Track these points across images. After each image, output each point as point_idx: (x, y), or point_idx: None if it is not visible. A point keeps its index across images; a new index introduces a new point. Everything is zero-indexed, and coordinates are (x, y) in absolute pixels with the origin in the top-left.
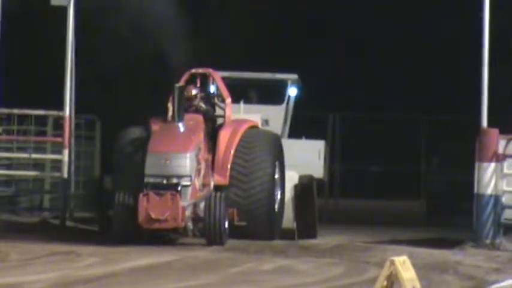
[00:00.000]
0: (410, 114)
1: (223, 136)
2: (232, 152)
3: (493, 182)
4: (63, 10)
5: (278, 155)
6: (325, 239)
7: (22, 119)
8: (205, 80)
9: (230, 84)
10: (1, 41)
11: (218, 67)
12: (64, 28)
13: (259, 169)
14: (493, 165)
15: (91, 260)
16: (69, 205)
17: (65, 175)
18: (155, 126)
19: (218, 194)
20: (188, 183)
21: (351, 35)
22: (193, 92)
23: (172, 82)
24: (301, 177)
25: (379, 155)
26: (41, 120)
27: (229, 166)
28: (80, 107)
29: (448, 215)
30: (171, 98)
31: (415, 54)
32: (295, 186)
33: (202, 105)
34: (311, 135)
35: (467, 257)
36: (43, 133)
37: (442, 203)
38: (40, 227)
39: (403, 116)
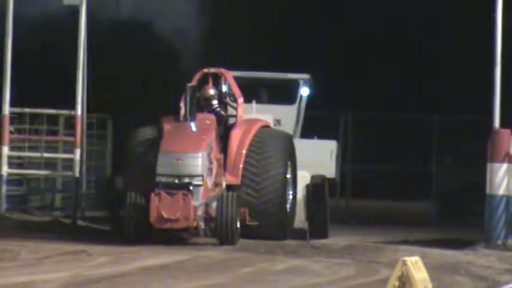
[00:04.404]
0: (422, 114)
1: (235, 136)
2: (244, 151)
3: (505, 182)
4: (75, 9)
5: (290, 155)
6: (336, 239)
7: (34, 118)
8: (217, 80)
9: (242, 84)
10: (13, 40)
11: (230, 66)
12: (76, 28)
13: (271, 169)
14: (505, 165)
15: (102, 260)
16: (80, 204)
17: (77, 174)
18: (167, 126)
19: (230, 193)
20: (200, 182)
21: (363, 34)
22: (211, 92)
23: (184, 81)
24: (313, 177)
25: (391, 155)
26: (53, 120)
27: (241, 166)
28: (91, 106)
29: (459, 216)
30: (183, 98)
31: (428, 53)
32: (307, 186)
33: (216, 105)
34: (323, 135)
35: (479, 258)
36: (55, 132)
37: (453, 203)
38: (51, 226)
39: (415, 115)
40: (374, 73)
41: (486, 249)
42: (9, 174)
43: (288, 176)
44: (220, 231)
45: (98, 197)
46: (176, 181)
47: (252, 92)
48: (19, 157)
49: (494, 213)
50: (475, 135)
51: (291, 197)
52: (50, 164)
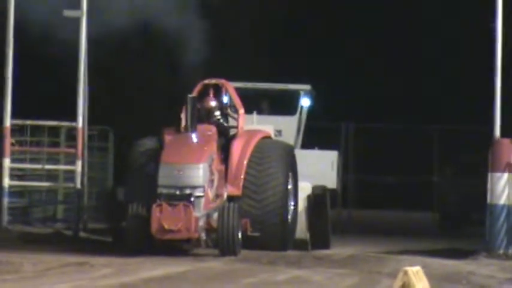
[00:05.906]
0: (423, 124)
1: (236, 147)
2: (245, 162)
3: (506, 192)
4: (76, 21)
5: (291, 166)
6: (338, 250)
7: (35, 130)
8: (218, 91)
9: (243, 95)
10: (14, 52)
11: (231, 77)
12: (76, 39)
13: (272, 180)
14: (506, 175)
15: (104, 271)
16: (82, 216)
17: (78, 186)
18: (168, 137)
19: (231, 204)
20: (201, 194)
21: (364, 46)
22: (212, 103)
23: (185, 93)
24: (314, 188)
25: (392, 165)
26: (54, 131)
27: (242, 177)
28: (92, 118)
29: (461, 226)
30: (184, 109)
31: (428, 64)
32: (308, 197)
33: (217, 116)
34: (324, 146)
35: (481, 267)
36: (56, 144)
37: (455, 213)
38: (53, 238)
39: (416, 125)
40: (375, 84)
41: (487, 259)
42: (11, 186)
43: (289, 186)
44: (221, 242)
45: (100, 208)
46: (177, 192)
47: (253, 103)
48: (20, 169)
49: (496, 222)
50: (476, 145)
51: (292, 207)
52: (51, 176)
